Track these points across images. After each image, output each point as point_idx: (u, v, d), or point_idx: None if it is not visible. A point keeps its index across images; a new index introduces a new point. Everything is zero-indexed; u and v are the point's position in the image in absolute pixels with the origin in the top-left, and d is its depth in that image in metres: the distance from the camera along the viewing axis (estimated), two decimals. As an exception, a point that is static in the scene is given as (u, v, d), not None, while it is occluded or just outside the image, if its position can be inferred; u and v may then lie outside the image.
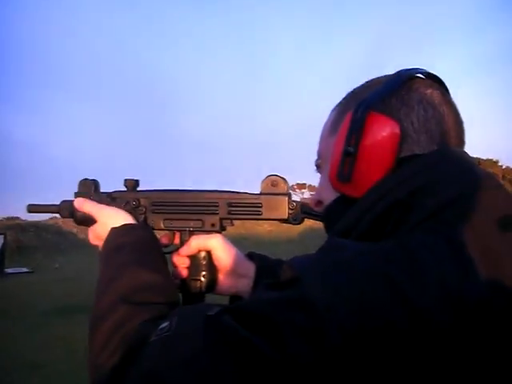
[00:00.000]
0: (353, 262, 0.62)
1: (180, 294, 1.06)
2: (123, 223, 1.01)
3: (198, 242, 1.09)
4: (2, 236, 16.41)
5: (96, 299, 0.84)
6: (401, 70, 0.81)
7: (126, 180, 1.16)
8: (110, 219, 1.03)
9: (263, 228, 27.65)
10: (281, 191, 1.08)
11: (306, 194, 33.90)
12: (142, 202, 1.13)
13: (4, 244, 16.12)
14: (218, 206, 1.10)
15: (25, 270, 16.48)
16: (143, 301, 0.80)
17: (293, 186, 35.61)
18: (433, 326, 0.57)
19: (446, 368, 0.57)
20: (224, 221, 1.11)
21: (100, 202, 1.13)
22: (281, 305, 0.61)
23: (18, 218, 27.44)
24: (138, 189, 1.17)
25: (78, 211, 1.14)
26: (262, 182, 1.08)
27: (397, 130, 0.75)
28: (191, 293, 1.09)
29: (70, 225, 25.44)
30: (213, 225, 1.10)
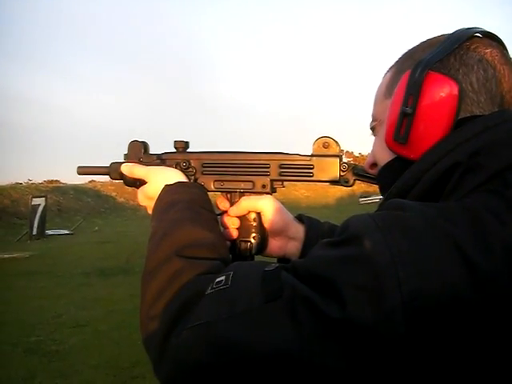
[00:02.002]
0: (415, 222, 0.61)
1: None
2: (177, 181, 1.00)
3: (248, 203, 1.08)
4: (43, 198, 16.87)
5: (148, 253, 0.83)
6: (458, 30, 0.79)
7: (175, 141, 1.14)
8: (163, 178, 1.02)
9: (300, 193, 27.69)
10: (332, 153, 1.05)
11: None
12: (193, 163, 1.11)
13: (45, 206, 16.57)
14: (269, 168, 1.08)
15: (65, 231, 16.99)
16: (198, 256, 0.79)
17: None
18: (496, 290, 0.56)
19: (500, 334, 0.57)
20: (275, 182, 1.09)
21: (149, 163, 1.12)
22: (340, 262, 0.61)
23: (58, 180, 28.19)
24: (188, 150, 1.15)
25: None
26: (314, 143, 1.05)
27: (455, 90, 0.72)
28: (241, 254, 1.09)
29: (108, 188, 25.98)
30: (263, 186, 1.08)
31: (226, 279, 0.69)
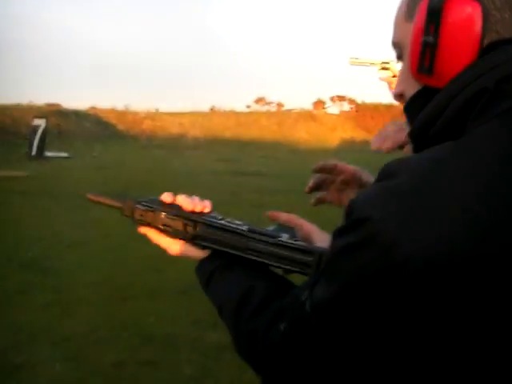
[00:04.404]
0: (408, 187, 0.61)
1: None
2: (201, 258, 0.98)
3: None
4: (44, 120, 16.78)
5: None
6: None
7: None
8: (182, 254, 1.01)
9: (300, 136, 27.43)
10: None
11: (346, 107, 33.59)
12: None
13: (45, 128, 16.51)
14: None
15: (64, 154, 16.96)
16: (258, 311, 0.82)
17: (333, 97, 35.38)
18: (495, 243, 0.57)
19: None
20: None
21: None
22: (347, 251, 0.64)
23: (59, 104, 27.85)
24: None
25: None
26: None
27: (478, 10, 0.68)
28: None
29: (109, 116, 25.72)
30: None
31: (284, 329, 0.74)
